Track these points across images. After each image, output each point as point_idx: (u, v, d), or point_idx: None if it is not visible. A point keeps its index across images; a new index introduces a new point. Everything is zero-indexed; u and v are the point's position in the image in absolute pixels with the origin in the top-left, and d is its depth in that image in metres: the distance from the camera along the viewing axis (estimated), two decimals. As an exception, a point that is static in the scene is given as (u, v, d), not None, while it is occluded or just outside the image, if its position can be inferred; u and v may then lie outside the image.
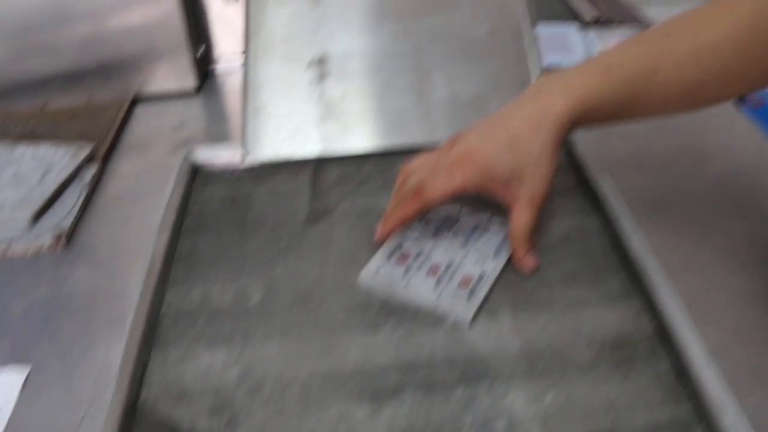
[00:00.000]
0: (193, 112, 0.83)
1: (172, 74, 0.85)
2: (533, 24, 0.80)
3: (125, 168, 0.74)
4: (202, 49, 0.88)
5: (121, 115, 0.82)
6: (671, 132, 0.74)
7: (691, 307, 0.51)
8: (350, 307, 0.55)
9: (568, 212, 0.64)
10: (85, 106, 0.84)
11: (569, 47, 0.83)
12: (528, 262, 0.56)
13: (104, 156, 0.75)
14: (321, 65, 0.78)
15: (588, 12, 1.07)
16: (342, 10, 0.81)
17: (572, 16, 1.07)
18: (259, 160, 0.73)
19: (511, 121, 0.53)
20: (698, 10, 0.52)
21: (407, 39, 0.79)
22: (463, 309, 0.53)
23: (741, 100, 0.99)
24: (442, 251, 0.59)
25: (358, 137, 0.74)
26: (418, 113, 0.75)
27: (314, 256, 0.61)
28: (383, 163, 0.72)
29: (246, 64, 0.78)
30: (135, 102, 0.85)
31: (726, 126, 0.76)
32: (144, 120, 0.82)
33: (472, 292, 0.54)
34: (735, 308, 0.53)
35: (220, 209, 0.67)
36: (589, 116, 0.52)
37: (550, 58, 0.80)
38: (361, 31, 0.79)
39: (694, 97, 0.52)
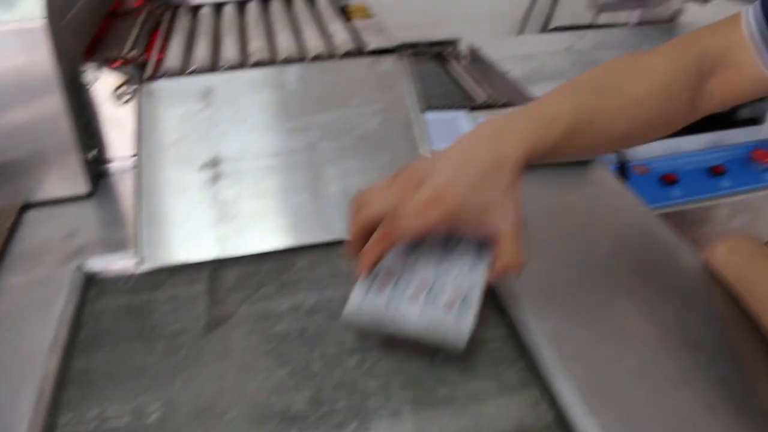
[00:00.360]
0: (85, 217, 0.81)
1: (63, 179, 0.84)
2: (422, 111, 0.84)
3: (14, 282, 0.72)
4: (94, 151, 0.87)
5: (9, 223, 0.80)
6: (560, 214, 0.79)
7: (587, 393, 0.54)
8: (252, 418, 0.55)
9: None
10: (-31, 216, 0.81)
11: (459, 133, 0.87)
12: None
13: (-10, 270, 0.73)
14: (214, 166, 0.79)
15: (477, 95, 1.13)
16: (234, 109, 0.83)
17: (460, 100, 1.13)
18: (154, 266, 0.72)
19: (474, 162, 0.57)
20: (621, 66, 0.62)
21: (300, 136, 0.81)
22: (454, 335, 0.55)
23: (624, 173, 1.06)
24: (420, 271, 0.59)
25: (255, 238, 0.75)
26: (313, 210, 0.77)
27: (214, 366, 0.60)
28: (280, 262, 0.73)
29: (138, 168, 0.78)
30: (24, 209, 0.83)
31: (613, 204, 0.81)
32: (34, 228, 0.80)
33: (459, 314, 0.56)
34: (629, 390, 0.56)
35: (116, 321, 0.66)
36: (538, 158, 0.59)
37: (441, 145, 0.84)
38: (253, 130, 0.81)
39: (625, 142, 0.63)
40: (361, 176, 0.79)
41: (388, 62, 0.89)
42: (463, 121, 0.92)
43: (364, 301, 0.57)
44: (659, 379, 0.57)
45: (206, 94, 0.84)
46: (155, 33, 1.05)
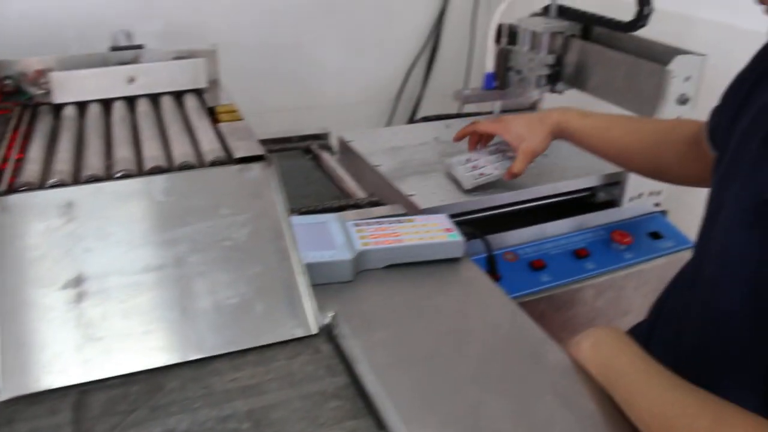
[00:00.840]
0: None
1: None
2: (291, 215, 0.86)
3: None
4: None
5: None
6: (432, 318, 0.82)
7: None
8: None
9: (340, 418, 0.67)
10: None
11: (329, 239, 0.90)
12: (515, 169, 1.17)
13: None
14: (78, 285, 0.77)
15: (349, 190, 1.16)
16: (98, 224, 0.81)
17: (331, 197, 1.16)
18: (12, 395, 0.69)
19: (532, 118, 1.18)
20: (626, 119, 1.11)
21: (168, 250, 0.81)
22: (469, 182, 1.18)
23: (492, 265, 1.11)
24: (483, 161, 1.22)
25: (123, 358, 0.73)
26: (183, 327, 0.76)
27: None
28: (151, 383, 0.71)
29: (-6, 292, 0.74)
30: None
31: (482, 303, 0.86)
32: None
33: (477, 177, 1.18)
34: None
35: (-34, 465, 0.62)
36: (566, 133, 1.14)
37: (311, 254, 0.86)
38: (119, 245, 0.80)
39: (625, 158, 1.08)
40: (232, 289, 0.79)
41: (256, 170, 0.90)
42: (332, 225, 0.94)
43: (473, 174, 1.19)
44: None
45: (68, 207, 0.82)
46: (14, 135, 1.02)
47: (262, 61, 2.09)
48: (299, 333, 0.78)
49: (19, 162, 0.92)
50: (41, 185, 0.85)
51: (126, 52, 1.23)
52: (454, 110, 1.73)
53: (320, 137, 1.42)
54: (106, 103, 1.15)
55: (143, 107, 1.14)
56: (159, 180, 0.87)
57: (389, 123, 2.36)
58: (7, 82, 1.18)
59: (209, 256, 0.82)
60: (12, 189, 0.84)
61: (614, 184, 1.29)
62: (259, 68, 2.03)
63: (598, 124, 1.10)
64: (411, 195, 1.14)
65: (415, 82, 2.39)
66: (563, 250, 1.19)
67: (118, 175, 0.88)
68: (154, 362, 0.73)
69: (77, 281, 0.77)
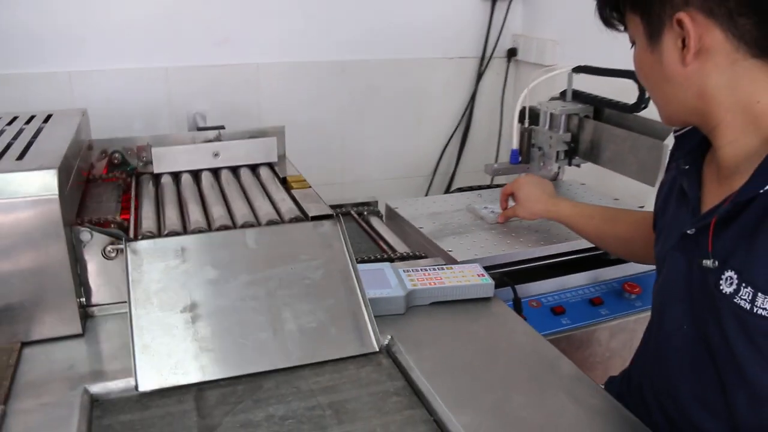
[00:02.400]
0: (80, 353, 1.01)
1: (60, 321, 1.03)
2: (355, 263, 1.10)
3: (26, 406, 0.90)
4: (83, 299, 1.08)
5: (14, 358, 0.98)
6: (467, 340, 1.05)
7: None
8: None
9: (400, 409, 0.90)
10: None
11: (386, 281, 1.14)
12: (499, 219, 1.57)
13: (4, 398, 0.90)
14: (192, 310, 1.01)
15: (398, 248, 1.41)
16: (205, 264, 1.07)
17: (381, 253, 1.41)
18: (148, 389, 0.92)
19: (541, 195, 1.48)
20: (608, 210, 1.35)
21: (260, 285, 1.06)
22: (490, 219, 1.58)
23: (518, 308, 1.34)
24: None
25: (230, 365, 0.96)
26: (276, 344, 1.00)
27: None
28: (252, 384, 0.95)
29: (129, 311, 0.99)
30: (23, 346, 1.02)
31: (509, 329, 1.09)
32: (36, 362, 0.98)
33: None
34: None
35: (121, 435, 0.86)
36: (557, 219, 1.41)
37: (372, 291, 1.10)
38: (223, 280, 1.05)
39: (602, 242, 1.35)
40: (311, 316, 1.04)
41: (327, 226, 1.16)
42: (387, 270, 1.19)
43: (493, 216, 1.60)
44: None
45: (181, 251, 1.08)
46: (125, 197, 1.30)
47: (312, 140, 2.39)
48: (365, 350, 1.02)
49: (136, 217, 1.19)
50: (159, 234, 1.11)
51: (209, 132, 1.51)
52: (485, 182, 1.99)
53: (369, 204, 1.68)
54: (195, 174, 1.43)
55: (226, 177, 1.41)
56: (251, 232, 1.13)
57: (427, 194, 2.63)
58: (116, 155, 1.47)
59: (293, 291, 1.06)
60: (138, 236, 1.10)
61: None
62: (309, 147, 2.32)
63: (584, 212, 1.37)
64: (450, 251, 1.39)
65: (449, 158, 2.68)
66: (581, 299, 1.42)
67: (218, 227, 1.14)
68: (253, 368, 0.97)
69: (192, 307, 1.02)
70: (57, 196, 0.98)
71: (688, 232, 0.91)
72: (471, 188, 1.85)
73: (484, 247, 1.42)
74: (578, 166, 1.77)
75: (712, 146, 0.93)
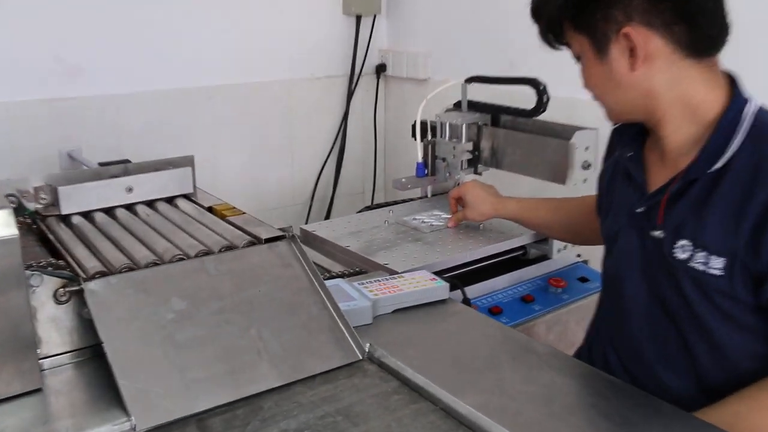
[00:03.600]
0: (50, 407, 1.06)
1: (19, 376, 1.07)
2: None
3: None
4: (38, 349, 1.12)
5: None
6: (442, 337, 1.21)
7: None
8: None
9: (405, 405, 1.04)
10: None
11: (347, 294, 1.28)
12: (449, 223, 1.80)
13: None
14: (169, 343, 1.10)
15: (331, 267, 1.55)
16: (170, 297, 1.15)
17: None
18: (147, 427, 1.00)
19: (485, 198, 1.73)
20: (550, 201, 1.66)
21: (234, 311, 1.17)
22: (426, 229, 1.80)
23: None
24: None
25: (224, 392, 1.06)
26: (264, 364, 1.11)
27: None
28: (251, 406, 1.06)
29: (106, 353, 1.06)
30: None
31: (476, 323, 1.26)
32: (5, 421, 1.02)
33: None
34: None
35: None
36: (504, 216, 1.71)
37: (340, 304, 1.23)
38: (195, 308, 1.15)
39: (549, 230, 1.70)
40: (290, 333, 1.15)
41: (282, 246, 1.28)
42: (343, 285, 1.33)
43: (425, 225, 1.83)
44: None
45: (141, 287, 1.16)
46: (47, 242, 1.34)
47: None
48: (350, 359, 1.15)
49: (74, 259, 1.24)
50: (111, 272, 1.18)
51: (116, 166, 1.58)
52: (365, 203, 2.18)
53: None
54: (107, 211, 1.49)
55: (145, 211, 1.48)
56: (209, 260, 1.23)
57: (307, 222, 2.78)
58: (12, 198, 1.49)
59: (266, 312, 1.18)
60: (93, 276, 1.16)
61: (543, 240, 1.76)
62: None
63: (529, 206, 1.66)
64: (386, 264, 1.55)
65: (326, 182, 2.84)
66: (513, 298, 1.63)
67: (172, 258, 1.22)
68: (249, 391, 1.07)
69: (168, 340, 1.10)
70: (17, 236, 1.04)
71: (638, 210, 1.14)
72: (379, 206, 2.03)
73: (416, 257, 1.59)
74: (480, 174, 2.00)
75: (650, 136, 1.18)
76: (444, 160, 1.97)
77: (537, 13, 1.21)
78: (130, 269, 1.19)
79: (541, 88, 1.77)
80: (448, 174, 1.97)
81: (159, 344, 1.10)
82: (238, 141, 2.64)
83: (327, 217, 2.81)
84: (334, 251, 1.69)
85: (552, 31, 1.19)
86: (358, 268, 1.53)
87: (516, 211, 1.66)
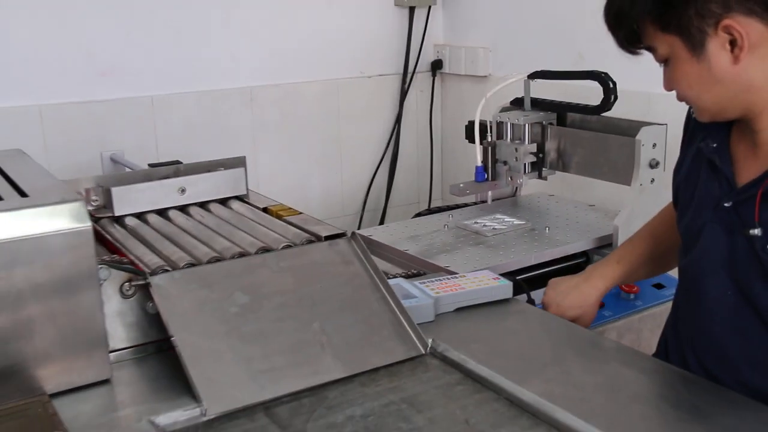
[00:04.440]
0: (119, 396, 1.27)
1: (88, 366, 1.29)
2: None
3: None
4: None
5: (52, 409, 1.23)
6: (505, 333, 1.41)
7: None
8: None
9: (469, 394, 1.24)
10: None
11: (409, 293, 1.48)
12: None
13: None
14: (234, 335, 1.31)
15: (388, 270, 1.76)
16: (234, 291, 1.37)
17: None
18: (217, 413, 1.21)
19: (580, 294, 1.66)
20: (647, 239, 1.71)
21: (298, 305, 1.37)
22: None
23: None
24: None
25: (289, 382, 1.27)
26: (327, 357, 1.31)
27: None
28: (316, 396, 1.26)
29: (175, 343, 1.27)
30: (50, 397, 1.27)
31: (540, 320, 1.45)
32: (77, 410, 1.24)
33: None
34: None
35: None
36: (614, 284, 1.70)
37: (405, 301, 1.43)
38: (260, 303, 1.36)
39: (662, 268, 1.76)
40: (353, 328, 1.36)
41: (342, 244, 1.49)
42: (404, 284, 1.53)
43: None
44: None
45: (205, 281, 1.38)
46: (103, 242, 1.57)
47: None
48: (413, 353, 1.35)
49: (136, 256, 1.47)
50: (178, 267, 1.40)
51: (167, 167, 1.81)
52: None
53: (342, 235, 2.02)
54: (160, 213, 1.72)
55: (199, 213, 1.71)
56: (270, 257, 1.44)
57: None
58: (66, 201, 1.72)
59: (328, 307, 1.38)
60: (157, 271, 1.38)
61: (606, 246, 1.94)
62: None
63: (630, 267, 1.69)
64: (447, 266, 1.75)
65: (378, 191, 3.05)
66: (582, 304, 1.82)
67: (236, 256, 1.44)
68: (313, 381, 1.28)
69: (233, 332, 1.31)
70: (91, 227, 1.26)
71: (725, 204, 1.32)
72: (438, 209, 2.24)
73: (479, 260, 1.79)
74: (545, 178, 2.18)
75: (737, 125, 1.34)
76: (505, 163, 2.15)
77: (618, 19, 1.32)
78: (192, 265, 1.41)
79: (609, 82, 1.94)
80: (509, 178, 2.16)
81: (224, 337, 1.31)
82: (281, 145, 2.87)
83: (381, 222, 3.02)
84: (391, 255, 1.89)
85: (635, 37, 1.33)
86: (417, 270, 1.74)
87: (621, 277, 1.69)
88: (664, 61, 1.33)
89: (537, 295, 1.79)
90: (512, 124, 2.15)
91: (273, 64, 2.81)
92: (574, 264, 1.92)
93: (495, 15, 2.91)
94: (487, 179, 2.19)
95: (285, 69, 2.83)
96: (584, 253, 1.96)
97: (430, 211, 2.24)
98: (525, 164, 2.14)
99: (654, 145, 1.88)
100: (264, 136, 2.84)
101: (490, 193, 2.23)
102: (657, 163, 1.88)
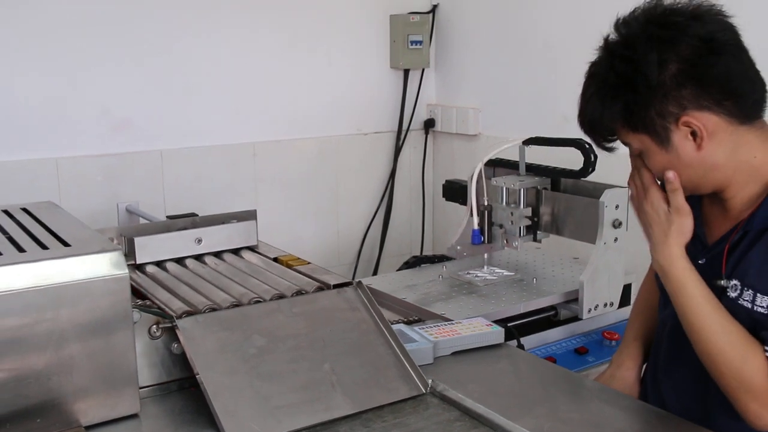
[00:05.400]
0: (146, 428, 1.40)
1: (120, 401, 1.41)
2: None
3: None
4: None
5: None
6: (500, 374, 1.54)
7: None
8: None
9: (467, 430, 1.37)
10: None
11: (409, 337, 1.62)
12: None
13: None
14: (254, 373, 1.44)
15: (389, 316, 1.89)
16: (252, 334, 1.50)
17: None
18: (241, 445, 1.34)
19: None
20: (645, 324, 1.82)
21: (310, 348, 1.50)
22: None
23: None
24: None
25: (303, 417, 1.40)
26: (337, 394, 1.44)
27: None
28: (327, 430, 1.38)
29: (200, 380, 1.40)
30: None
31: (529, 364, 1.59)
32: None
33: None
34: None
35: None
36: (643, 361, 1.78)
37: (406, 345, 1.56)
38: (271, 346, 1.49)
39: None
40: (360, 369, 1.49)
41: (349, 292, 1.63)
42: (405, 329, 1.67)
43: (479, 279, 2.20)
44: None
45: (227, 323, 1.51)
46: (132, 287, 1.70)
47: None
48: (415, 392, 1.48)
49: (161, 300, 1.60)
50: (199, 311, 1.53)
51: (184, 219, 1.94)
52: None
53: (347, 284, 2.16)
54: (178, 261, 1.85)
55: (214, 262, 1.84)
56: (284, 303, 1.58)
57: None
58: (91, 250, 1.86)
59: (337, 349, 1.52)
60: (182, 315, 1.51)
61: (573, 300, 2.06)
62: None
63: (645, 339, 1.80)
64: (443, 313, 1.89)
65: (372, 242, 3.20)
66: (566, 350, 1.95)
67: (253, 302, 1.58)
68: (325, 416, 1.40)
69: (253, 371, 1.44)
70: (127, 274, 1.39)
71: (700, 262, 1.47)
72: (427, 258, 2.38)
73: (472, 308, 1.93)
74: (539, 241, 2.29)
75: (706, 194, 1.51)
76: (501, 226, 2.27)
77: (592, 126, 1.52)
78: (213, 309, 1.54)
79: (587, 147, 2.06)
80: (505, 241, 2.27)
81: (244, 375, 1.44)
82: (281, 198, 3.02)
83: (375, 273, 3.16)
84: (390, 303, 2.03)
85: (607, 140, 1.52)
86: (416, 317, 1.87)
87: (641, 356, 1.78)
88: (638, 155, 1.51)
89: (526, 340, 1.93)
90: (508, 189, 2.24)
91: (275, 120, 2.97)
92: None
93: (484, 78, 3.09)
94: (483, 242, 2.29)
95: (287, 125, 2.99)
96: (552, 308, 2.09)
97: (419, 258, 2.38)
98: (520, 227, 2.23)
99: (617, 206, 2.02)
100: (265, 189, 2.98)
101: (486, 255, 2.32)
102: (620, 223, 2.02)
